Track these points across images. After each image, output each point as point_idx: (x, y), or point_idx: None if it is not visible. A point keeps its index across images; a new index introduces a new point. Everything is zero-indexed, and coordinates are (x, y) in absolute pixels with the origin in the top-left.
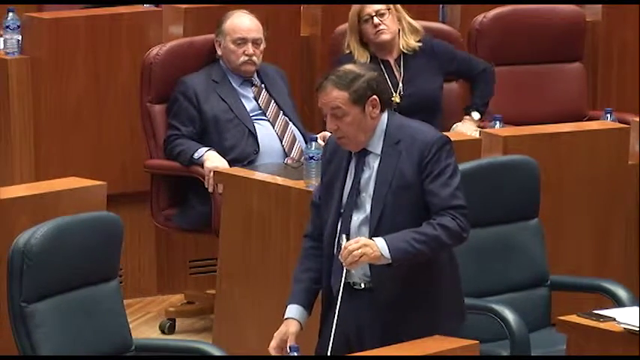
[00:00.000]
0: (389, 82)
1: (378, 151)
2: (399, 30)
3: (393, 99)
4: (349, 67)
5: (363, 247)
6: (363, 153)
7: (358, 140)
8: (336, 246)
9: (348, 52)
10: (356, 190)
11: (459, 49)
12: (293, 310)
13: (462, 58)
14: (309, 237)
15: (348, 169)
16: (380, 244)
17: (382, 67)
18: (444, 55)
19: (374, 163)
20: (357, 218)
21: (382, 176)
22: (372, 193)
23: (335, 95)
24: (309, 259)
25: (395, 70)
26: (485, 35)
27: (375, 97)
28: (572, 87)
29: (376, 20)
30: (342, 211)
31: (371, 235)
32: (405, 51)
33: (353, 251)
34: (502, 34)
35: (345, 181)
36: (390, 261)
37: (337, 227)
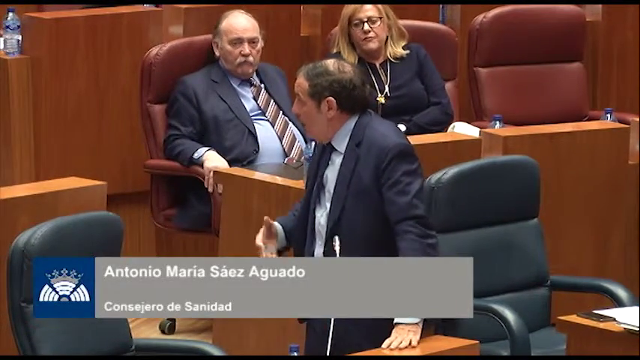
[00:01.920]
0: (375, 84)
1: (342, 149)
2: (387, 37)
3: (377, 99)
4: (330, 62)
5: (404, 339)
6: (330, 148)
7: (312, 131)
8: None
9: (336, 51)
10: (320, 184)
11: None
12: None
13: (430, 83)
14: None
15: (320, 162)
16: (404, 320)
17: (369, 69)
18: (423, 68)
19: (337, 160)
20: (319, 214)
21: (342, 177)
22: (332, 192)
23: (299, 82)
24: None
25: (381, 73)
26: (485, 35)
27: (331, 98)
28: (572, 87)
29: (366, 27)
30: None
31: (329, 232)
32: (392, 59)
33: (399, 345)
34: (502, 34)
35: (317, 173)
36: (419, 320)
37: (307, 218)
